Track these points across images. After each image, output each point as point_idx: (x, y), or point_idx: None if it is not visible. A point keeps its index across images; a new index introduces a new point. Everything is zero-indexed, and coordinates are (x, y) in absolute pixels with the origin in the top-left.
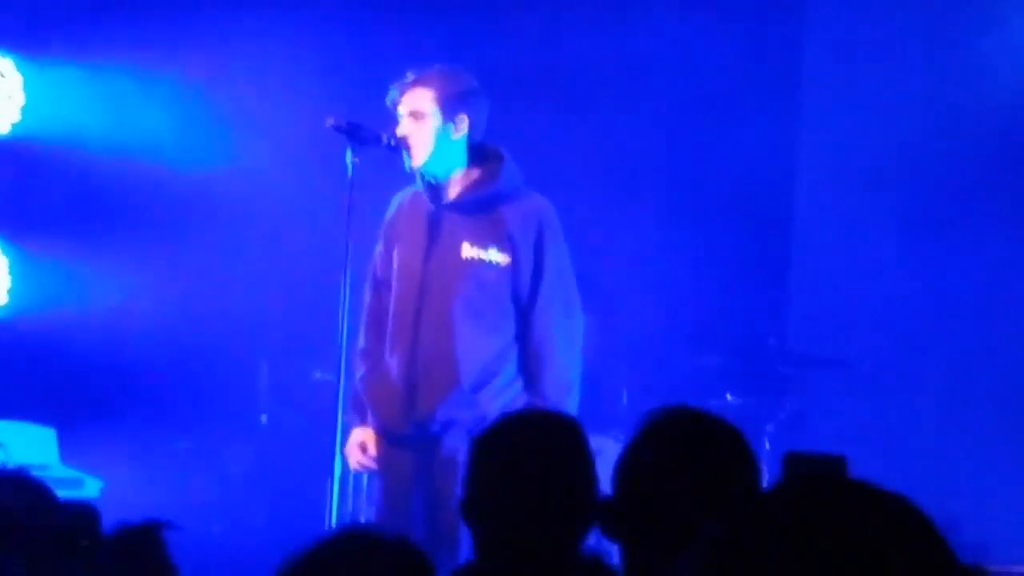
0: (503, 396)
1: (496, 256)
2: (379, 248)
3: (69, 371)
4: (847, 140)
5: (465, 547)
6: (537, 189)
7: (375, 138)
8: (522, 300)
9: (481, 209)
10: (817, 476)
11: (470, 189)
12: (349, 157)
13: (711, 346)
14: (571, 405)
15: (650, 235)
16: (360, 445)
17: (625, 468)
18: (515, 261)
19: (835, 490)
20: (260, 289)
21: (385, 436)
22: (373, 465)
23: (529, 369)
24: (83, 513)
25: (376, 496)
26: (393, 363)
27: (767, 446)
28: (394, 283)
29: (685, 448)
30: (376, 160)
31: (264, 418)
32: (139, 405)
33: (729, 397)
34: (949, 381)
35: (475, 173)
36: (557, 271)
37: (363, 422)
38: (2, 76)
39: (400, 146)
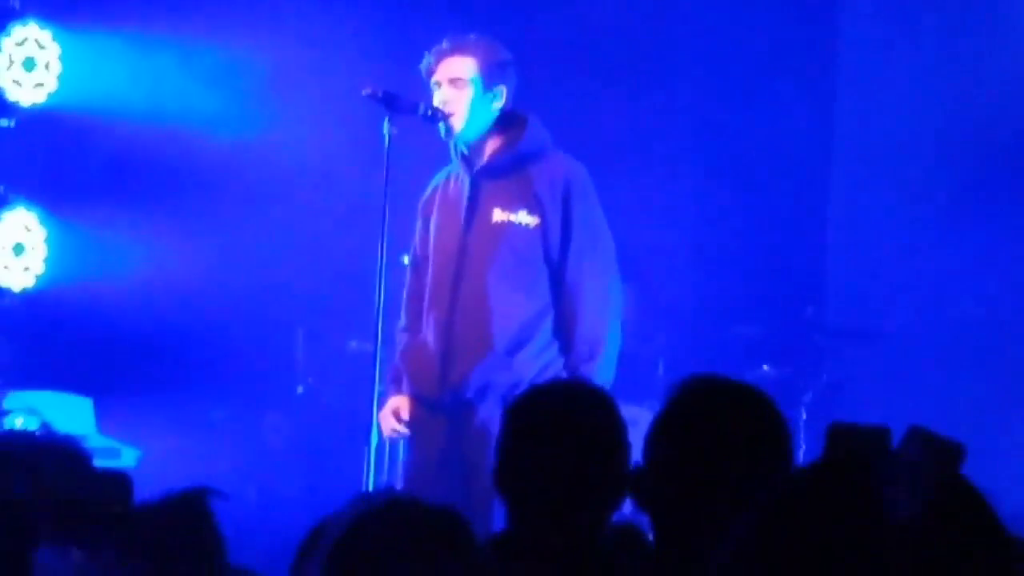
0: (540, 359)
1: (525, 218)
2: (418, 227)
3: (107, 341)
4: (886, 109)
5: (498, 515)
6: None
7: (412, 107)
8: (553, 260)
9: (509, 172)
10: (861, 451)
11: (497, 152)
12: (386, 126)
13: (748, 316)
14: (606, 363)
15: (687, 206)
16: (394, 412)
17: (654, 438)
18: (544, 221)
19: (880, 466)
20: (296, 259)
21: (420, 402)
22: (406, 431)
23: (564, 329)
24: (116, 482)
25: (408, 462)
26: (430, 331)
27: (804, 416)
28: (431, 256)
29: (713, 417)
30: (413, 129)
31: (300, 388)
32: (176, 375)
33: (766, 367)
34: (987, 351)
35: (502, 138)
36: (587, 228)
37: (399, 391)
38: (40, 46)
39: (436, 116)
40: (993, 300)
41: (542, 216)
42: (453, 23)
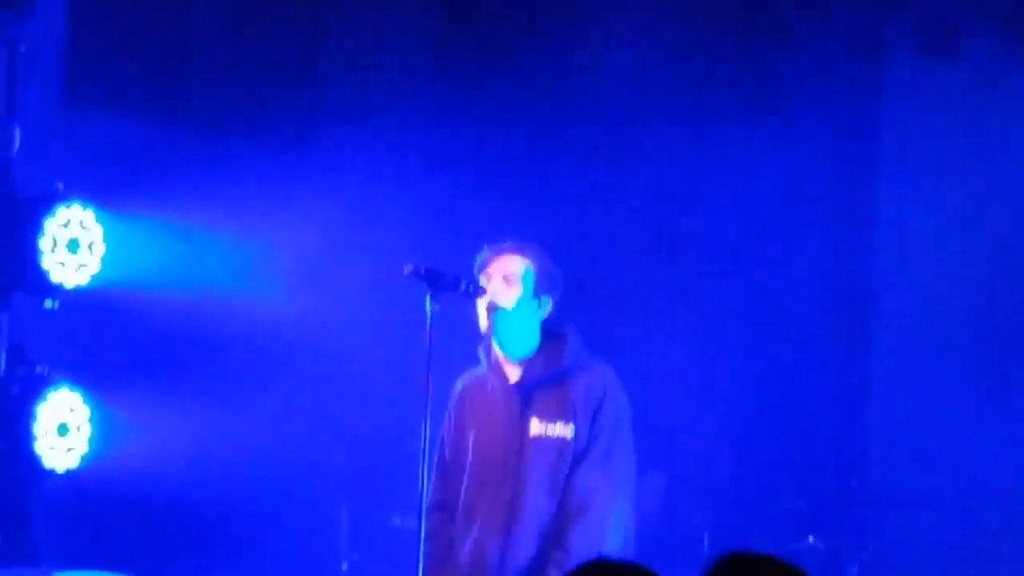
0: None
1: (561, 430)
2: (448, 430)
3: (151, 519)
4: (925, 280)
5: None
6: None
7: (453, 284)
8: (574, 463)
9: (547, 386)
10: None
11: (537, 369)
12: (428, 303)
13: (793, 488)
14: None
15: (726, 382)
16: None
17: None
18: (577, 432)
19: None
20: (340, 434)
21: None
22: None
23: (559, 521)
24: None
25: None
26: (476, 538)
27: None
28: (471, 464)
29: None
30: (456, 306)
31: (345, 565)
32: (221, 552)
33: (811, 539)
34: None
35: (543, 351)
36: (609, 443)
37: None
38: (83, 227)
39: (478, 292)
40: None
41: (576, 427)
42: (490, 207)
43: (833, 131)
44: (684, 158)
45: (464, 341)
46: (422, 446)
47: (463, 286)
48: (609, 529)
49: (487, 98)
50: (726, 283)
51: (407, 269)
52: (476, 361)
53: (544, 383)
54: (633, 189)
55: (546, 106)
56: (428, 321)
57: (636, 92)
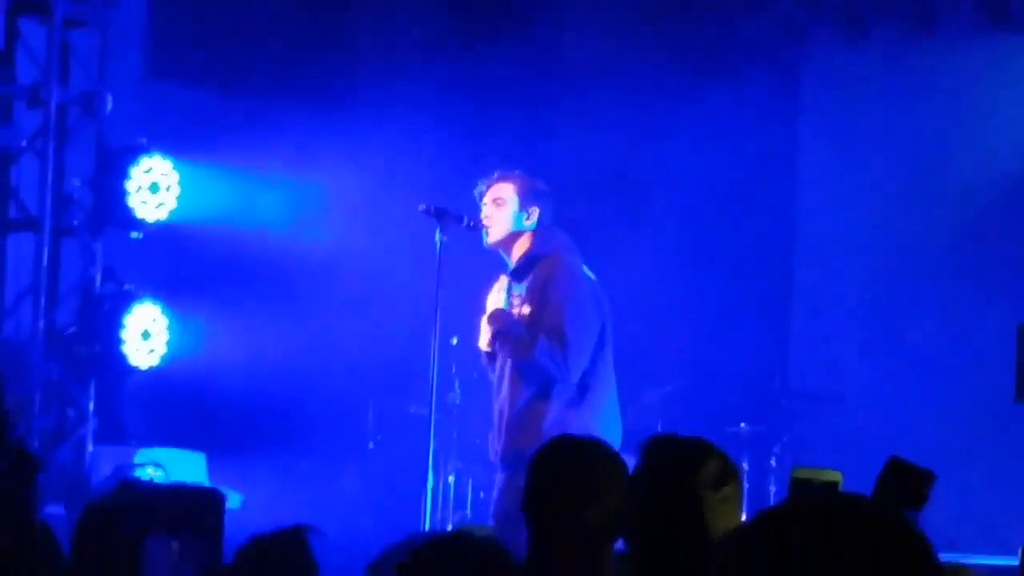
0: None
1: (526, 310)
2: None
3: (217, 408)
4: (843, 202)
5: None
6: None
7: (458, 219)
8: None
9: (524, 274)
10: (818, 493)
11: (518, 263)
12: (437, 235)
13: (729, 385)
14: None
15: (683, 302)
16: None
17: (630, 486)
18: (533, 311)
19: (835, 506)
20: (368, 341)
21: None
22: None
23: None
24: (209, 495)
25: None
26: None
27: (773, 463)
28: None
29: (671, 469)
30: (460, 237)
31: (371, 444)
32: (272, 435)
33: (743, 425)
34: (922, 407)
35: (524, 247)
36: (555, 308)
37: None
38: (163, 174)
39: (478, 226)
40: (930, 367)
41: (533, 307)
42: (487, 154)
43: (764, 102)
44: (643, 120)
45: (467, 265)
46: (432, 349)
47: (465, 221)
48: (550, 368)
49: (488, 70)
50: (680, 221)
51: (420, 207)
52: (478, 281)
53: (521, 272)
54: (602, 146)
55: (534, 80)
56: (437, 249)
57: (606, 67)
